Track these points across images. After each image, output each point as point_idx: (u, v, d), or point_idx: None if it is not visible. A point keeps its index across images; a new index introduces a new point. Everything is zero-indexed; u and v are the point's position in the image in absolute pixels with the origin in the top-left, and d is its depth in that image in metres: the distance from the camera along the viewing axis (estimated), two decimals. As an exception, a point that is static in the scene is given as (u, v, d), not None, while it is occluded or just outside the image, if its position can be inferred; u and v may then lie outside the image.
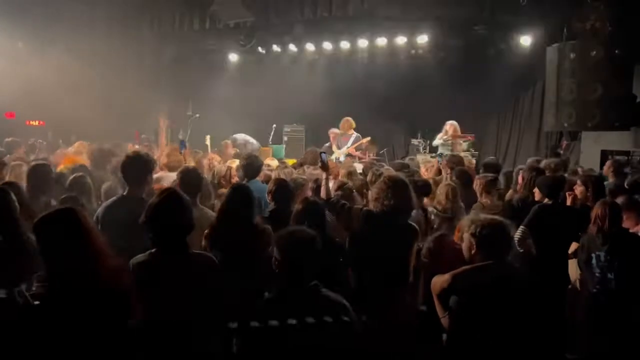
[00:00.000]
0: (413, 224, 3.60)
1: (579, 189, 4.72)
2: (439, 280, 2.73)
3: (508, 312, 2.57)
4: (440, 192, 4.46)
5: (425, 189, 4.60)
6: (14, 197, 3.05)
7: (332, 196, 4.03)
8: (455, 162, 6.10)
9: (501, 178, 5.83)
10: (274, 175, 5.40)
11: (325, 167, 4.12)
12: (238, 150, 8.72)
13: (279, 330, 2.19)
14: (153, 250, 2.67)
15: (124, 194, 3.68)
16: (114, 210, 3.54)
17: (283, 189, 4.01)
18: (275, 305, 2.32)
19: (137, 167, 3.67)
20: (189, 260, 2.67)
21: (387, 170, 5.64)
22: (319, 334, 2.21)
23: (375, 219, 3.46)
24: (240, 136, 10.21)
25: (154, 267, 2.62)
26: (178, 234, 2.67)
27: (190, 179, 4.01)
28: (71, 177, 4.26)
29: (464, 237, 2.81)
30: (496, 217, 2.92)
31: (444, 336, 2.91)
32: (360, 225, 3.53)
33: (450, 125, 9.32)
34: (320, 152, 4.39)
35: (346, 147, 9.22)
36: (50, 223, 2.25)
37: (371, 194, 3.63)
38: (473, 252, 2.72)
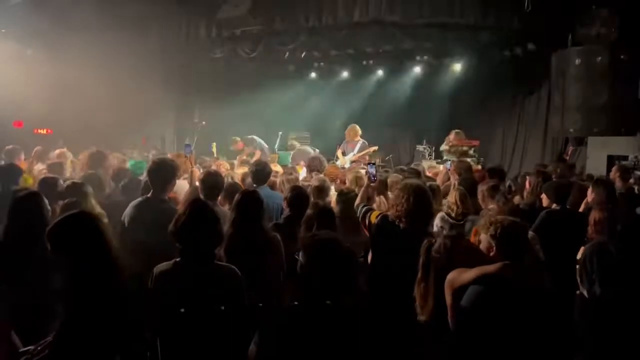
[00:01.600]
0: (431, 231, 3.57)
1: (590, 195, 4.70)
2: (464, 276, 2.64)
3: (522, 314, 2.54)
4: (451, 198, 4.47)
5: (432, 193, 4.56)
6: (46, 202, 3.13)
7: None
8: (463, 168, 6.09)
9: (509, 184, 5.83)
10: (278, 181, 5.42)
11: (372, 180, 4.08)
12: (247, 158, 8.75)
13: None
14: (178, 259, 2.66)
15: (149, 196, 3.88)
16: (141, 211, 3.76)
17: (300, 196, 4.03)
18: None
19: (162, 172, 3.90)
20: (212, 273, 2.64)
21: (395, 176, 5.65)
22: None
23: (391, 226, 3.42)
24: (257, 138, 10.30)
25: (177, 276, 2.61)
26: (205, 246, 2.66)
27: (211, 182, 4.19)
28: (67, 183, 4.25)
29: (481, 238, 2.78)
30: (515, 218, 2.91)
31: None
32: (375, 232, 3.51)
33: (453, 134, 9.36)
34: (369, 163, 4.40)
35: (352, 154, 9.25)
36: (66, 227, 2.31)
37: (390, 200, 3.64)
38: (492, 254, 2.68)
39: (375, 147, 9.61)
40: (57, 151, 6.97)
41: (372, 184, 4.11)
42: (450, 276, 2.71)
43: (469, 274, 2.64)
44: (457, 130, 9.40)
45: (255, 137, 10.28)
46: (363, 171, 7.11)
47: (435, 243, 2.90)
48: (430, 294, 2.85)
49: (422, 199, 3.37)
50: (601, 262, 3.61)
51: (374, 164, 4.45)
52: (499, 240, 2.65)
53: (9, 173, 4.81)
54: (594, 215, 3.82)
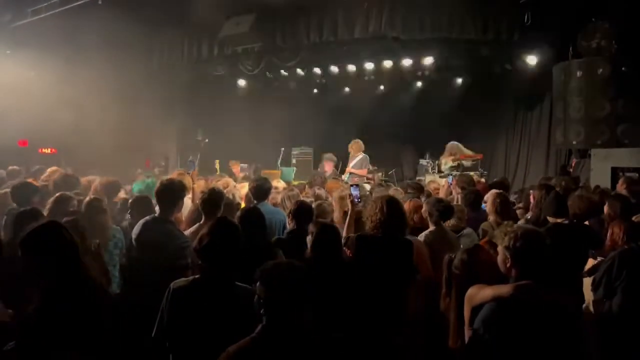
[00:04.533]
0: (408, 238, 3.67)
1: (606, 208, 4.65)
2: (481, 294, 2.54)
3: (538, 338, 2.41)
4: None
5: (446, 213, 4.41)
6: None
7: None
8: (465, 181, 6.07)
9: (512, 197, 5.80)
10: (279, 198, 5.39)
11: (356, 203, 4.11)
12: (247, 174, 8.76)
13: None
14: (197, 276, 2.64)
15: (156, 215, 3.94)
16: (147, 230, 3.83)
17: (304, 210, 4.02)
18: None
19: (170, 193, 3.97)
20: (231, 293, 2.59)
21: (396, 190, 5.64)
22: None
23: (368, 239, 3.54)
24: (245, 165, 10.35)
25: (195, 294, 2.58)
26: (228, 266, 2.63)
27: (210, 200, 4.17)
28: (86, 200, 4.31)
29: (498, 250, 2.64)
30: (531, 227, 2.83)
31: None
32: (355, 249, 3.56)
33: (452, 146, 9.47)
34: (352, 185, 4.39)
35: (350, 167, 9.31)
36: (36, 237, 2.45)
37: (364, 214, 3.74)
38: (508, 265, 2.54)
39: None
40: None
41: (357, 208, 4.10)
42: (470, 292, 2.62)
43: (486, 293, 2.54)
44: (453, 143, 9.43)
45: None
46: (366, 186, 7.10)
47: (455, 258, 2.86)
48: (453, 309, 2.80)
49: (394, 208, 3.58)
50: (631, 270, 3.55)
51: (357, 185, 4.44)
52: (514, 252, 2.51)
53: (23, 191, 4.84)
54: (613, 228, 3.76)
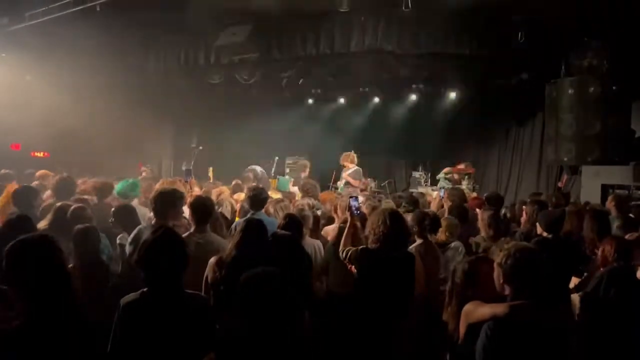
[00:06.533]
0: (410, 252, 3.69)
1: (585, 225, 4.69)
2: (478, 312, 2.54)
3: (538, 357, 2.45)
4: (442, 226, 4.51)
5: (432, 226, 4.45)
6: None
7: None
8: (456, 195, 6.12)
9: (504, 212, 5.84)
10: (271, 209, 5.37)
11: (355, 215, 3.95)
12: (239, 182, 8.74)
13: None
14: (145, 289, 2.57)
15: (152, 223, 3.89)
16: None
17: (293, 224, 4.01)
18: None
19: (163, 201, 3.95)
20: (181, 302, 2.56)
21: (387, 202, 5.68)
22: None
23: (372, 253, 3.52)
24: (258, 168, 10.16)
25: (144, 307, 2.52)
26: (171, 274, 2.57)
27: (201, 207, 4.08)
28: (70, 208, 4.28)
29: (495, 266, 2.62)
30: (526, 244, 2.85)
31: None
32: (359, 264, 3.56)
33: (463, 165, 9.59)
34: (351, 197, 4.24)
35: (344, 180, 9.32)
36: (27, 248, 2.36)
37: (367, 226, 3.69)
38: (501, 282, 2.54)
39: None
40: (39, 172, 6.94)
41: (356, 220, 3.93)
42: (467, 308, 2.62)
43: (483, 311, 2.53)
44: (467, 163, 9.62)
45: (257, 167, 10.23)
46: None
47: (457, 268, 2.88)
48: (451, 320, 2.82)
49: (397, 221, 3.55)
50: (618, 289, 3.55)
51: (356, 197, 4.19)
52: (505, 270, 2.51)
53: (26, 196, 4.83)
54: (604, 245, 3.80)
